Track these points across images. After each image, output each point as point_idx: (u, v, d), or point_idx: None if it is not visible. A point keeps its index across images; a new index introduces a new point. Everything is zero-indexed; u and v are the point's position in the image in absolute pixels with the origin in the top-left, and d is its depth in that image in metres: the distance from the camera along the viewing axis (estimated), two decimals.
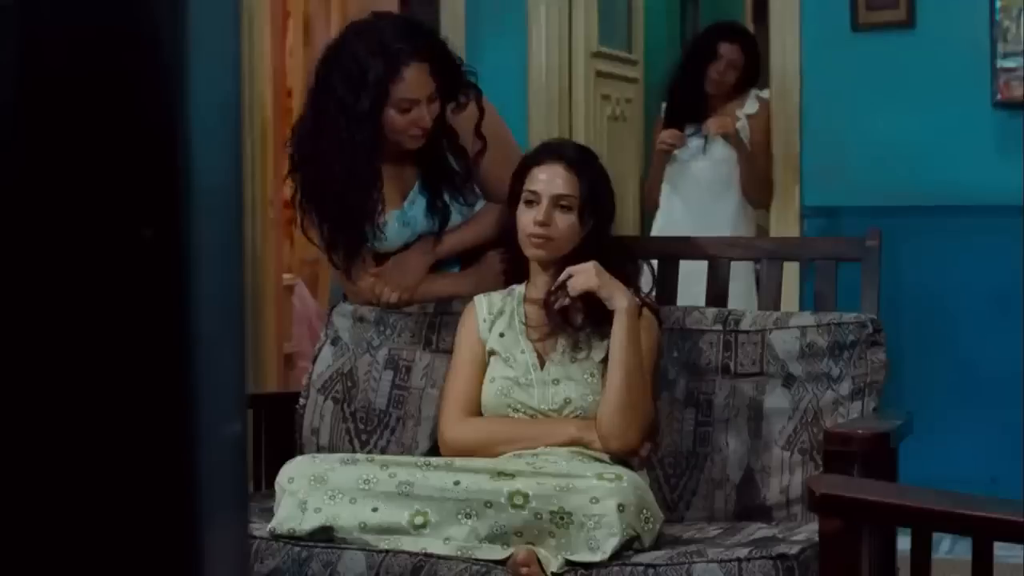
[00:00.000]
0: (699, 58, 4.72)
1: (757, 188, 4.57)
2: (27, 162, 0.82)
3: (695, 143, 4.65)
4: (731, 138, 4.58)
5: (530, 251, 2.88)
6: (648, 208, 4.94)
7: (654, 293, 3.03)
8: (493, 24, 4.82)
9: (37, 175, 0.82)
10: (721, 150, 4.61)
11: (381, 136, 2.92)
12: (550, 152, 2.92)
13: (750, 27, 6.24)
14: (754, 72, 4.72)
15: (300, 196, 3.02)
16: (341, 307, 3.16)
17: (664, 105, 4.82)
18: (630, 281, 2.90)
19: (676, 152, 4.67)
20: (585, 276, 2.76)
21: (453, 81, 2.97)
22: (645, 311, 2.87)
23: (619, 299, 2.74)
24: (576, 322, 2.82)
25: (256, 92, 4.51)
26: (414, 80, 2.88)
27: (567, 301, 2.80)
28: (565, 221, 2.85)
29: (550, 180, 2.85)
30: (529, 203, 2.87)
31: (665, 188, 4.73)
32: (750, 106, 4.64)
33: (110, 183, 0.82)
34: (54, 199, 0.82)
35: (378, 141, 2.92)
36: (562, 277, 2.80)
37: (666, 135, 4.65)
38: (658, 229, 4.71)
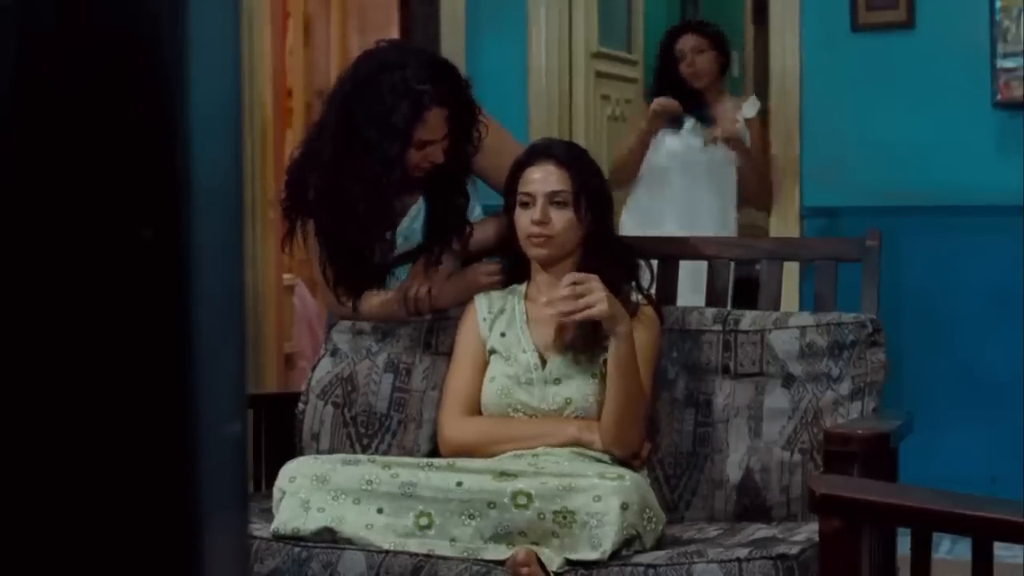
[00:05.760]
0: (667, 64, 4.62)
1: (760, 190, 4.52)
2: (26, 162, 0.82)
3: (695, 141, 4.50)
4: (731, 142, 4.45)
5: (532, 251, 2.89)
6: (620, 183, 4.48)
7: (653, 292, 3.03)
8: (493, 24, 4.82)
9: (36, 175, 0.82)
10: (720, 149, 4.49)
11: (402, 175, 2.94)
12: (539, 152, 2.93)
13: (750, 27, 6.23)
14: (727, 54, 4.64)
15: (298, 217, 3.03)
16: (340, 324, 3.16)
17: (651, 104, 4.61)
18: (633, 277, 2.90)
19: (676, 146, 4.52)
20: (599, 305, 2.66)
21: (468, 122, 2.99)
22: (647, 308, 2.88)
23: (620, 325, 2.70)
24: (569, 341, 2.82)
25: (256, 92, 4.51)
26: (433, 123, 2.91)
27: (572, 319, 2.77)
28: (562, 217, 2.86)
29: (543, 179, 2.86)
30: (525, 205, 2.88)
31: (654, 177, 4.54)
32: (748, 110, 4.52)
33: (110, 183, 0.82)
34: (53, 199, 0.82)
35: (400, 181, 2.95)
36: (567, 282, 2.75)
37: (664, 100, 4.46)
38: (631, 219, 4.51)
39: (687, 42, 4.58)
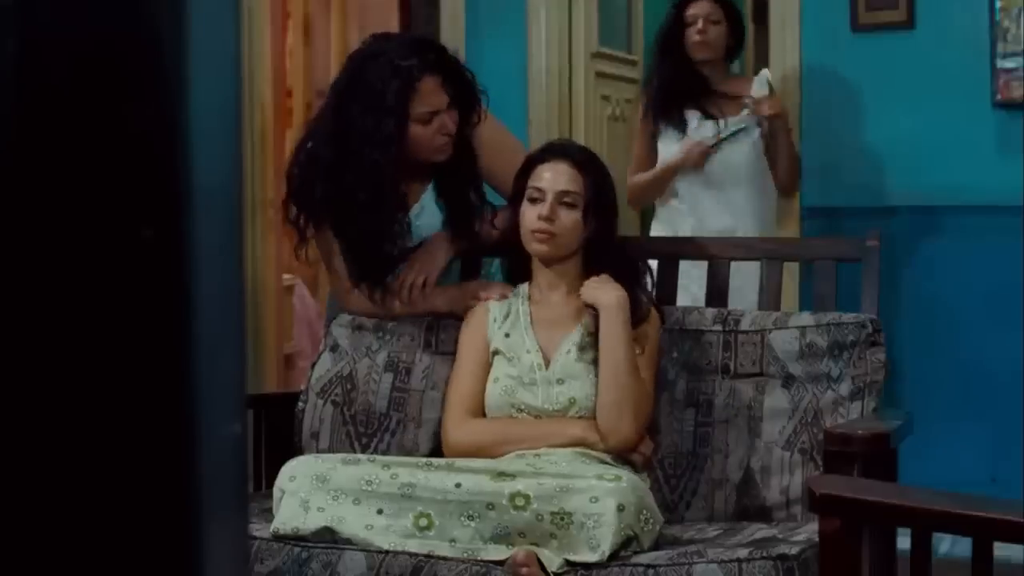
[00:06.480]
0: (674, 33, 4.19)
1: (792, 173, 4.20)
2: (26, 162, 0.82)
3: (705, 133, 4.13)
4: (780, 119, 4.10)
5: (532, 246, 2.90)
6: (635, 206, 4.45)
7: (654, 294, 3.04)
8: (493, 25, 4.82)
9: (36, 175, 0.82)
10: (733, 145, 4.12)
11: (403, 157, 2.93)
12: (555, 151, 2.95)
13: (750, 27, 6.09)
14: (739, 31, 4.24)
15: (308, 223, 3.03)
16: (340, 318, 3.16)
17: (643, 106, 4.28)
18: (631, 282, 2.91)
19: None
20: (583, 289, 2.83)
21: (467, 90, 2.99)
22: (650, 308, 2.90)
23: (602, 296, 2.77)
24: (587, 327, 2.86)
25: (256, 92, 4.51)
26: (429, 92, 2.92)
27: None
28: (569, 218, 2.86)
29: (555, 177, 2.87)
30: (533, 200, 2.88)
31: (673, 191, 4.19)
32: (758, 88, 4.13)
33: (110, 183, 0.82)
34: (53, 199, 0.82)
35: (402, 163, 2.94)
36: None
37: (696, 148, 4.07)
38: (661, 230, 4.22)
39: (702, 7, 4.14)
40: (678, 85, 4.17)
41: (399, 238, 3.01)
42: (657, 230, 4.26)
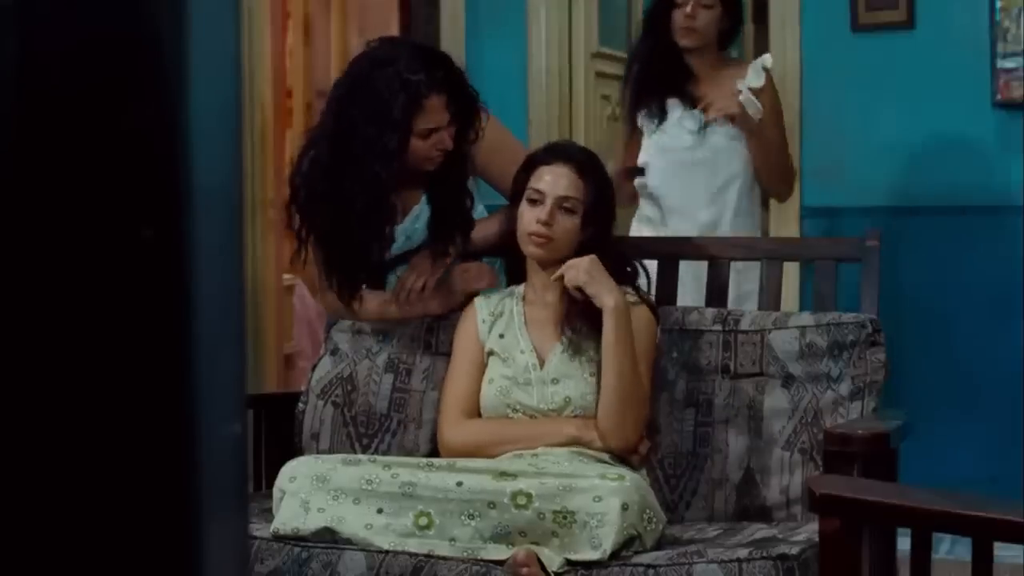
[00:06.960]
0: (660, 13, 3.81)
1: (774, 174, 3.81)
2: (26, 162, 0.82)
3: (688, 125, 3.78)
4: (737, 118, 3.68)
5: (528, 249, 2.89)
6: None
7: (653, 295, 3.04)
8: (493, 25, 4.82)
9: (36, 175, 0.82)
10: (720, 137, 3.77)
11: (399, 167, 2.94)
12: (559, 153, 2.93)
13: (750, 27, 5.99)
14: (736, 16, 3.85)
15: (309, 234, 3.02)
16: (340, 323, 3.16)
17: (621, 93, 3.99)
18: (626, 283, 2.90)
19: (664, 143, 3.80)
20: (575, 271, 2.77)
21: (469, 106, 2.99)
22: (643, 309, 2.88)
23: (607, 297, 2.75)
24: (571, 322, 2.83)
25: (256, 92, 4.51)
26: (434, 110, 2.92)
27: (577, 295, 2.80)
28: (567, 223, 2.86)
29: (556, 181, 2.86)
30: (533, 201, 2.87)
31: (650, 187, 3.85)
32: (754, 79, 3.66)
33: (110, 183, 0.82)
34: (54, 199, 0.82)
35: (397, 173, 2.95)
36: (560, 270, 2.80)
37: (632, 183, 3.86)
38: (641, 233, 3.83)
39: None
40: (657, 70, 3.80)
41: (385, 250, 3.01)
42: (635, 228, 3.94)
